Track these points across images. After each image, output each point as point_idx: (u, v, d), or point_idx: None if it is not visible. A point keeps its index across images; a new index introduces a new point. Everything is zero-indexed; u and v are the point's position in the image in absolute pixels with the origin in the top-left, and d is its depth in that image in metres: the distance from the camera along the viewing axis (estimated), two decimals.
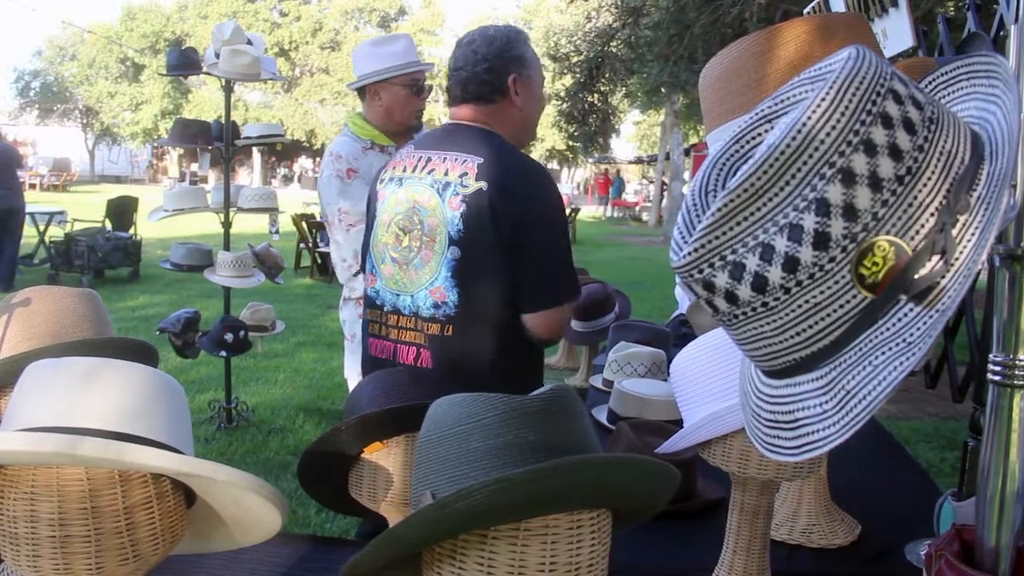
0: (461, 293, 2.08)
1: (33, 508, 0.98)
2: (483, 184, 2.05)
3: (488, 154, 2.10)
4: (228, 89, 5.21)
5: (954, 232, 0.77)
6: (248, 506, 1.11)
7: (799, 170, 0.76)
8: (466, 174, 2.08)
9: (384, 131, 3.18)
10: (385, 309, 2.22)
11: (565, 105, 19.30)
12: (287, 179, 44.30)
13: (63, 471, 0.98)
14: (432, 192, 2.12)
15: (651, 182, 35.08)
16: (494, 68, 2.21)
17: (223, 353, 5.21)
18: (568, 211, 21.18)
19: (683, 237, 0.87)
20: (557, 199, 2.18)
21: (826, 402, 0.80)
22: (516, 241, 2.06)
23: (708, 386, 1.37)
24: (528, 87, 2.27)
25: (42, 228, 11.72)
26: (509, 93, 2.22)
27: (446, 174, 2.12)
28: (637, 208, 34.56)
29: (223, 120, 5.21)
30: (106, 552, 0.99)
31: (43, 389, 1.04)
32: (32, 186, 28.94)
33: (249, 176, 38.88)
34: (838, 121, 0.75)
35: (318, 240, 12.77)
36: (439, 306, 2.10)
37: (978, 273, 0.77)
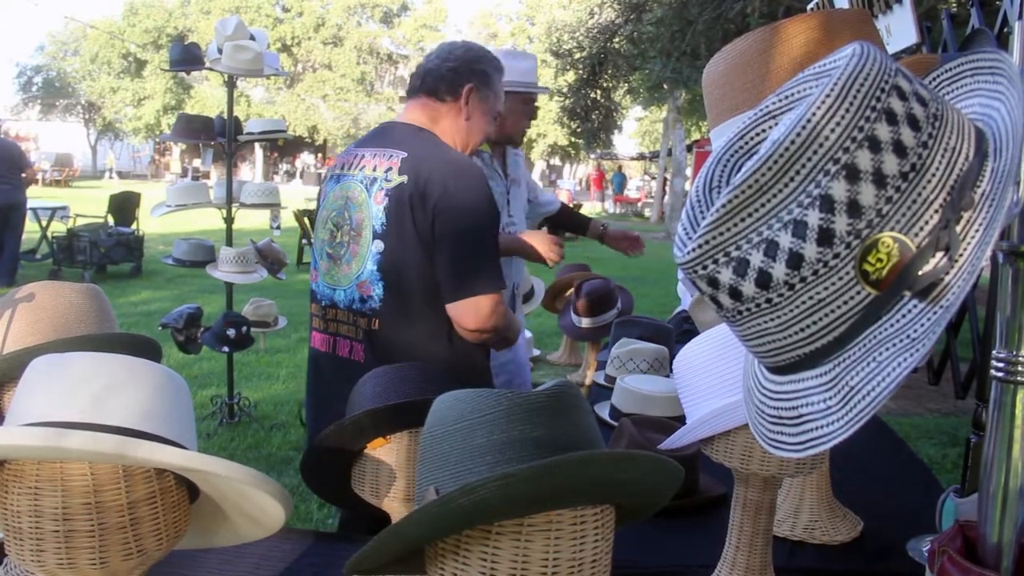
0: (385, 287, 2.12)
1: (37, 503, 0.98)
2: (404, 178, 2.10)
3: (414, 149, 2.15)
4: (231, 85, 5.21)
5: (958, 229, 0.77)
6: (252, 501, 1.11)
7: (803, 166, 0.76)
8: (391, 168, 2.13)
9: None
10: (323, 303, 2.28)
11: (568, 101, 19.28)
12: (289, 175, 44.26)
13: (67, 466, 0.98)
14: (361, 188, 2.18)
15: (653, 178, 35.04)
16: (458, 70, 2.26)
17: (225, 349, 5.22)
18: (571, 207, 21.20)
19: (687, 233, 0.87)
20: (477, 192, 2.14)
21: (830, 398, 0.80)
22: (434, 233, 2.08)
23: (711, 382, 1.37)
24: (481, 105, 2.31)
25: (44, 223, 11.73)
26: (460, 99, 2.26)
27: (374, 170, 2.17)
28: (639, 204, 34.54)
29: (225, 116, 5.22)
30: (110, 547, 0.99)
31: (47, 384, 1.04)
32: (34, 181, 28.91)
33: (251, 172, 38.88)
34: (842, 117, 0.75)
35: None
36: (365, 300, 2.15)
37: (981, 269, 0.77)
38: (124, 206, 12.49)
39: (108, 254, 11.13)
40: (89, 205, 14.01)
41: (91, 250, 10.85)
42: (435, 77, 2.26)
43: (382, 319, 2.14)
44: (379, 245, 2.11)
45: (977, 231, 0.77)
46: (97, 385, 1.03)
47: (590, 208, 32.51)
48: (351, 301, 2.19)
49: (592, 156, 36.53)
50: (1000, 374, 0.96)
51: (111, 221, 12.15)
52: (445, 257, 2.09)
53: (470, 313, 2.10)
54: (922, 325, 0.75)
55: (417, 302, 2.13)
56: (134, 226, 12.12)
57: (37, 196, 15.74)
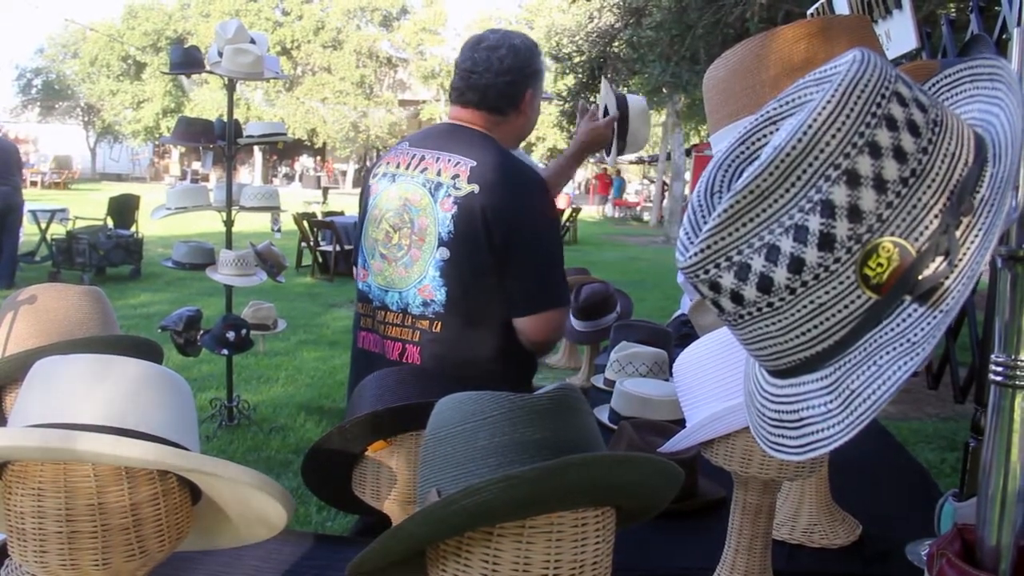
0: (448, 293, 2.09)
1: (40, 504, 0.98)
2: (475, 187, 2.06)
3: (482, 157, 2.11)
4: (231, 88, 5.21)
5: (958, 234, 0.77)
6: (253, 503, 1.11)
7: (804, 172, 0.77)
8: (458, 176, 2.09)
9: None
10: (374, 304, 2.23)
11: (567, 105, 19.27)
12: (288, 178, 44.19)
13: (70, 467, 0.98)
14: (424, 191, 2.13)
15: (652, 182, 35.05)
16: (516, 82, 2.20)
17: (225, 351, 5.22)
18: (569, 211, 21.22)
19: (689, 238, 0.88)
20: (549, 205, 2.19)
21: (831, 401, 0.80)
22: (505, 245, 2.07)
23: (711, 386, 1.38)
24: (536, 100, 2.29)
25: (44, 226, 11.73)
26: (522, 107, 2.24)
27: (439, 174, 2.12)
28: (638, 208, 34.56)
29: (225, 119, 5.22)
30: (112, 548, 1.00)
31: (50, 386, 1.05)
32: (34, 183, 28.94)
33: (250, 175, 38.86)
34: (843, 123, 0.76)
35: (319, 239, 12.79)
36: (428, 304, 2.12)
37: (980, 274, 0.77)
38: (123, 208, 12.49)
39: (107, 256, 11.12)
40: (88, 207, 14.00)
41: (90, 252, 10.83)
42: (496, 94, 2.18)
43: (445, 323, 2.11)
44: (444, 252, 2.08)
45: (977, 236, 0.77)
46: (99, 386, 1.04)
47: (589, 212, 32.53)
48: (406, 304, 2.15)
49: (591, 160, 36.53)
50: (999, 378, 0.96)
51: (110, 223, 12.15)
52: (519, 272, 2.10)
53: (542, 327, 2.13)
54: (922, 329, 0.76)
55: (479, 308, 2.12)
56: (133, 228, 12.13)
57: (37, 198, 15.75)
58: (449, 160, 2.13)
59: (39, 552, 0.99)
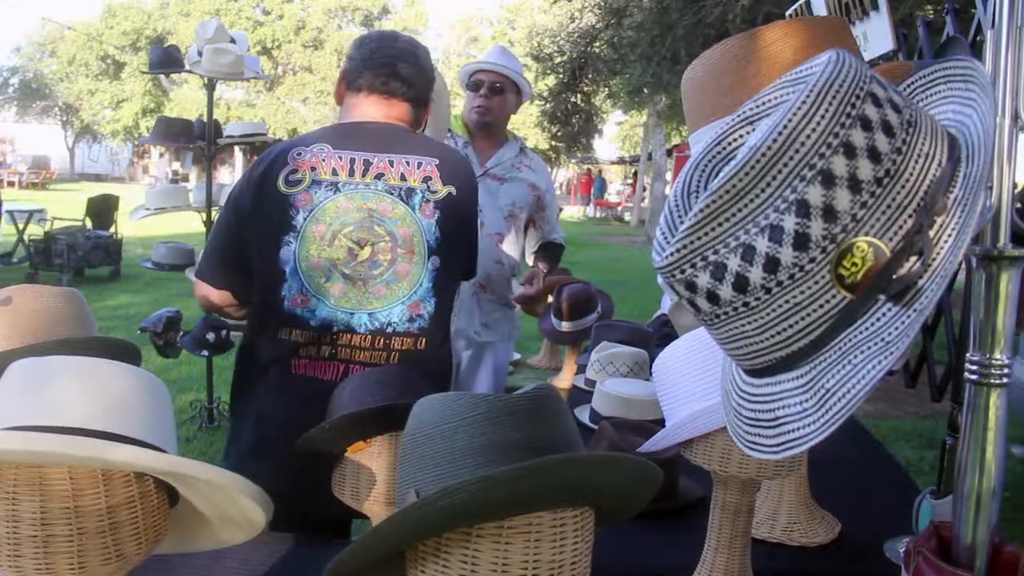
0: (436, 303, 2.01)
1: (15, 507, 0.97)
2: (451, 188, 2.01)
3: (441, 155, 2.05)
4: (211, 88, 5.19)
5: (931, 233, 0.78)
6: (231, 505, 1.11)
7: (780, 172, 0.77)
8: (430, 178, 2.00)
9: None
10: (335, 329, 1.97)
11: (548, 105, 19.31)
12: None
13: (46, 470, 0.97)
14: (393, 199, 1.98)
15: (633, 182, 35.17)
16: (432, 77, 2.15)
17: (205, 352, 5.19)
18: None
19: (666, 237, 0.88)
20: None
21: (806, 400, 0.81)
22: (471, 240, 2.18)
23: (690, 385, 1.38)
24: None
25: (21, 226, 11.62)
26: (429, 105, 2.18)
27: (403, 179, 1.99)
28: (619, 208, 34.66)
29: (205, 119, 5.20)
30: (88, 552, 0.99)
31: (25, 388, 1.04)
32: (11, 184, 28.69)
33: (231, 175, 38.65)
34: (818, 124, 0.76)
35: None
36: (414, 319, 1.99)
37: (956, 273, 0.78)
38: (102, 209, 12.41)
39: (86, 257, 11.04)
40: (67, 208, 13.88)
41: (69, 253, 10.74)
42: (420, 87, 2.09)
43: (428, 337, 2.01)
44: (436, 261, 1.99)
45: (950, 236, 0.78)
46: (75, 388, 1.03)
47: (572, 212, 32.57)
48: (384, 324, 1.97)
49: (573, 160, 36.62)
50: (974, 376, 0.97)
51: (89, 224, 12.06)
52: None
53: None
54: (896, 328, 0.77)
55: (450, 312, 2.12)
56: (112, 229, 12.04)
57: (14, 199, 15.61)
58: (407, 162, 2.00)
59: (13, 556, 0.98)
